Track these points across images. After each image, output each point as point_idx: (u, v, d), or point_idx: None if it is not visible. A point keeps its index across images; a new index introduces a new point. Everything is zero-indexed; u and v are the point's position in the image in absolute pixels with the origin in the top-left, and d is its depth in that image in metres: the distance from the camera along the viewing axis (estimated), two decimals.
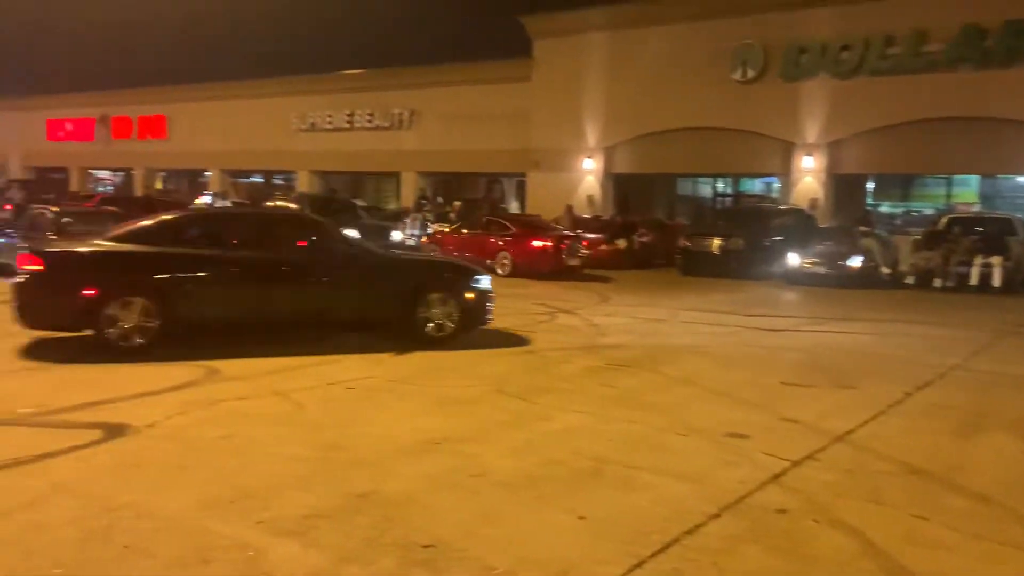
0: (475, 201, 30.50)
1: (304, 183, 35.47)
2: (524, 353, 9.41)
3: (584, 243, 19.14)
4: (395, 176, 33.92)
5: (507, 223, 19.64)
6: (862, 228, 20.04)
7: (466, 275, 10.03)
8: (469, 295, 9.81)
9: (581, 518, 4.45)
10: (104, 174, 46.40)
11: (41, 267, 8.34)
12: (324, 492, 4.70)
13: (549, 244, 18.19)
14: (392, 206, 32.05)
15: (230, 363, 8.13)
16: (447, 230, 21.29)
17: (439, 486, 4.87)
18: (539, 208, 26.17)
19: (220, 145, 38.05)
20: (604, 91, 27.07)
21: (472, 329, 9.93)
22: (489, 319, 10.12)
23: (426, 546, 3.99)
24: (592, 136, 27.60)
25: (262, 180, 39.42)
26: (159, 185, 42.64)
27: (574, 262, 18.30)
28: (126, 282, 8.48)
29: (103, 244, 8.88)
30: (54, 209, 15.44)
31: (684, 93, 25.12)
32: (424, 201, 29.97)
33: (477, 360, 8.93)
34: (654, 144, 26.45)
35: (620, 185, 28.06)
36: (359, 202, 26.24)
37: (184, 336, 8.72)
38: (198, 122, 39.17)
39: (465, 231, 20.27)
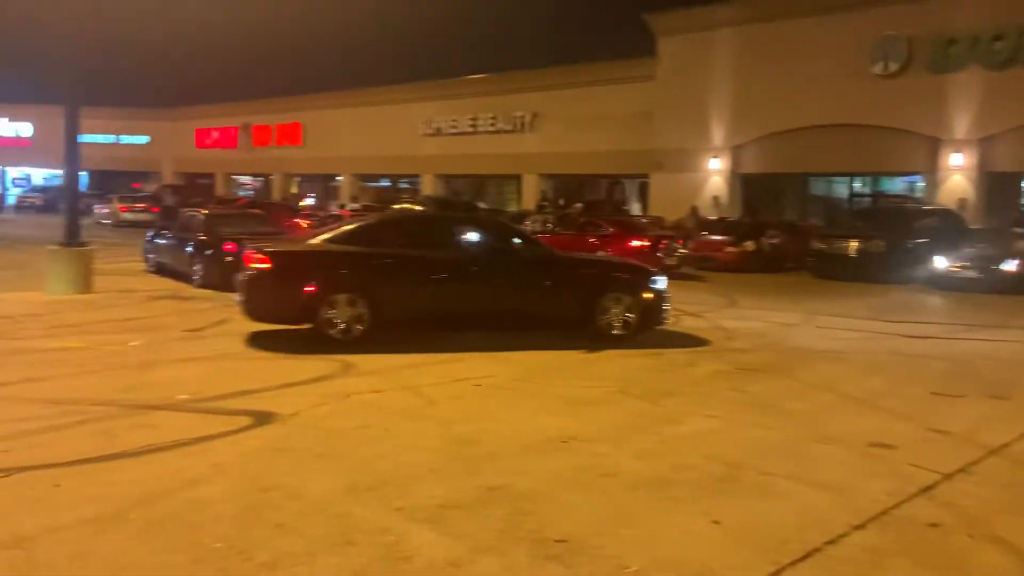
0: (597, 203, 30.40)
1: (428, 187, 36.47)
2: (647, 355, 9.29)
3: (679, 242, 18.80)
4: (516, 179, 34.32)
5: (603, 223, 19.46)
6: (1017, 229, 18.56)
7: (645, 276, 10.15)
8: (647, 295, 9.87)
9: (715, 522, 4.36)
10: (245, 179, 49.35)
11: (269, 265, 9.02)
12: (457, 484, 4.82)
13: (647, 244, 17.90)
14: (513, 209, 32.43)
15: (364, 358, 8.47)
16: (541, 231, 21.24)
17: (569, 484, 4.90)
18: (662, 209, 25.79)
19: (351, 151, 39.70)
20: (732, 88, 26.37)
21: (648, 329, 9.94)
22: (665, 320, 10.16)
23: (559, 541, 4.02)
24: (718, 135, 26.94)
25: (389, 184, 40.81)
26: (294, 189, 44.95)
27: (672, 262, 17.92)
28: (342, 280, 9.02)
29: (321, 245, 9.54)
30: (204, 211, 16.53)
31: (818, 89, 24.11)
32: (545, 203, 30.15)
33: (596, 361, 8.91)
34: (785, 142, 25.51)
35: (748, 185, 27.24)
36: (481, 205, 26.70)
37: (390, 330, 9.20)
38: (330, 129, 41.04)
39: (562, 231, 20.07)
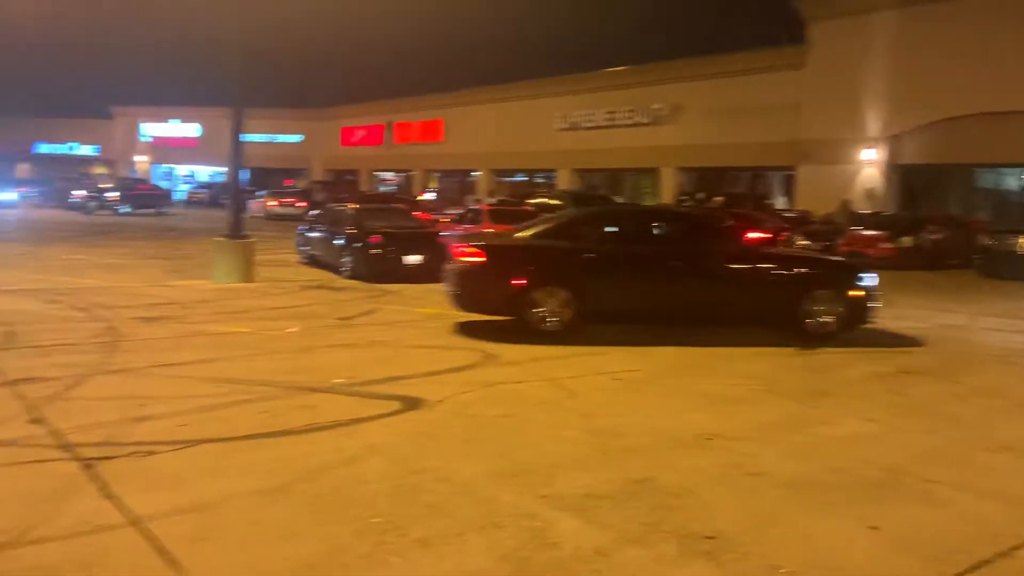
0: (738, 196, 29.47)
1: (564, 181, 36.57)
2: (795, 354, 8.94)
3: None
4: (653, 172, 33.82)
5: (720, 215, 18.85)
6: None
7: (852, 272, 9.87)
8: (855, 293, 9.56)
9: (873, 528, 4.16)
10: (388, 175, 51.31)
11: (482, 259, 9.42)
12: (601, 475, 4.84)
13: (767, 236, 17.14)
14: (650, 202, 31.98)
15: (505, 349, 8.66)
16: None
17: (715, 481, 4.81)
18: (810, 203, 24.67)
19: (488, 146, 40.44)
20: (890, 75, 24.81)
21: (854, 328, 9.61)
22: (872, 319, 9.78)
23: (708, 537, 3.97)
24: (874, 124, 25.43)
25: (525, 179, 41.26)
26: (434, 185, 46.29)
27: None
28: (551, 274, 9.30)
29: (529, 240, 9.90)
30: (352, 206, 17.33)
31: (990, 73, 22.25)
32: (684, 197, 29.55)
33: (739, 358, 8.66)
34: (951, 131, 23.75)
35: (906, 177, 25.58)
36: (617, 199, 26.50)
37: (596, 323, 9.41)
38: (470, 125, 41.97)
39: None
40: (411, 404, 6.38)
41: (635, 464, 5.07)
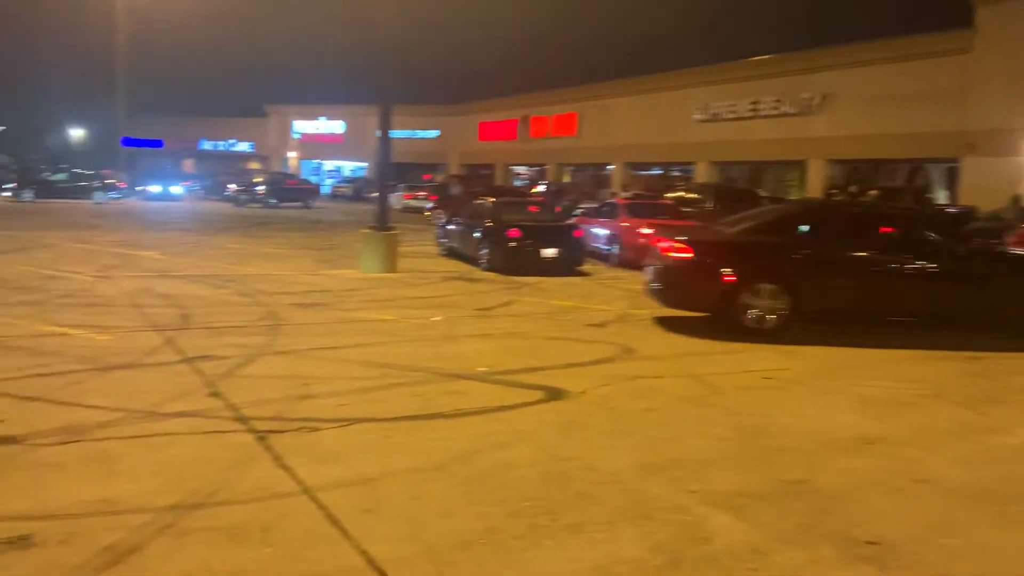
0: (894, 190, 27.74)
1: (702, 174, 35.70)
2: (959, 359, 8.37)
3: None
4: (800, 165, 32.39)
5: None
6: None
7: None
8: None
9: None
10: (521, 169, 51.84)
11: (690, 255, 9.28)
12: (753, 474, 4.75)
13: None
14: (795, 196, 30.68)
15: (642, 343, 8.62)
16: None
17: (876, 486, 4.60)
18: (976, 198, 22.88)
19: (623, 139, 40.06)
20: None
21: None
22: None
23: (870, 543, 3.82)
24: None
25: (660, 172, 40.58)
26: (566, 179, 46.36)
27: None
28: (763, 270, 9.07)
29: (740, 235, 9.73)
30: (491, 200, 17.65)
31: None
32: (835, 191, 28.13)
33: (898, 360, 8.20)
34: None
35: None
36: (762, 193, 25.58)
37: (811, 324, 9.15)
38: (604, 118, 41.70)
39: None
40: (553, 394, 6.47)
41: (788, 464, 4.93)
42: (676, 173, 39.11)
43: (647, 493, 4.42)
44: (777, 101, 32.42)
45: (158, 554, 3.49)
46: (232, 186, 40.46)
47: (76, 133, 72.98)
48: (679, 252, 9.27)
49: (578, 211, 22.14)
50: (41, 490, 4.13)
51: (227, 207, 36.99)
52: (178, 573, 3.33)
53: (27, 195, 33.96)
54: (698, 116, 36.08)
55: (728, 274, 8.93)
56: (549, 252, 14.89)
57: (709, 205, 19.38)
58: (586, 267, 15.89)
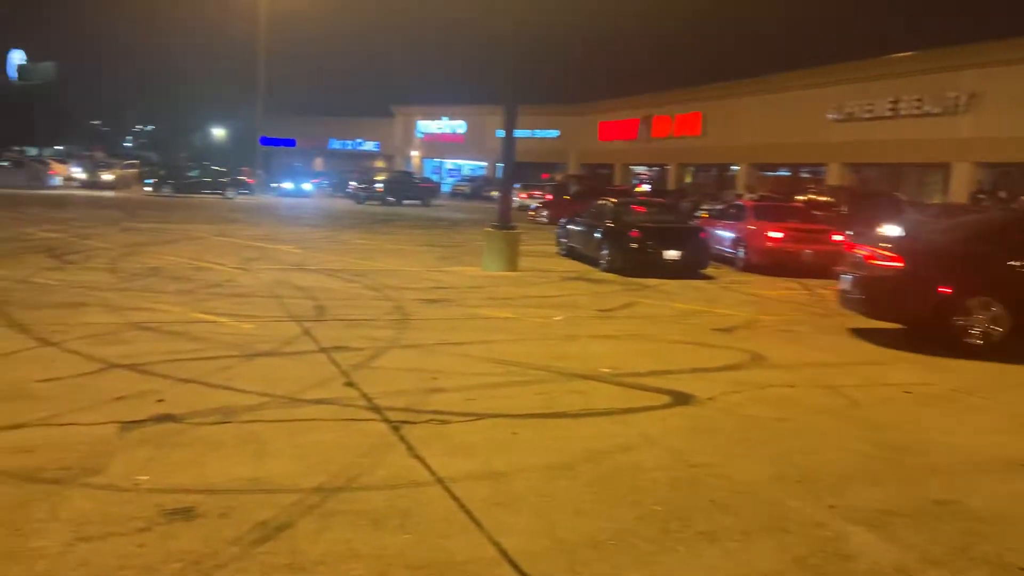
0: None
1: (834, 176, 34.18)
2: None
3: None
4: (943, 168, 30.46)
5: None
6: None
7: None
8: None
9: None
10: (641, 169, 51.24)
11: (900, 264, 8.76)
12: (896, 491, 4.52)
13: None
14: (937, 200, 28.88)
15: (772, 351, 8.35)
16: None
17: None
18: None
19: (749, 139, 38.90)
20: None
21: None
22: None
23: None
24: None
25: (788, 173, 39.15)
26: (688, 179, 45.48)
27: None
28: (981, 283, 8.47)
29: (954, 243, 9.14)
30: (613, 201, 17.56)
31: None
32: (981, 196, 26.26)
33: None
34: None
35: None
36: (901, 195, 24.21)
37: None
38: (729, 118, 40.63)
39: None
40: (680, 399, 6.38)
41: (935, 483, 4.67)
42: (805, 175, 37.60)
43: (784, 505, 4.29)
44: (919, 100, 30.61)
45: (306, 533, 3.68)
46: (353, 183, 42.13)
47: (218, 132, 77.86)
48: (887, 261, 8.73)
49: (700, 212, 21.70)
50: (200, 466, 4.44)
51: (350, 204, 38.48)
52: (326, 552, 3.50)
53: (166, 190, 36.50)
54: (831, 115, 34.55)
55: (943, 286, 8.35)
56: (672, 254, 14.67)
57: (843, 209, 18.54)
58: (710, 270, 15.55)
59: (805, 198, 20.49)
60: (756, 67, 41.36)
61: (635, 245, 14.80)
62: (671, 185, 42.93)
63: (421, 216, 32.05)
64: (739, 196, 25.95)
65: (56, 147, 64.68)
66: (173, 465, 4.44)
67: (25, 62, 60.92)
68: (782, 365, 7.80)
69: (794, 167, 38.72)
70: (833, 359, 8.21)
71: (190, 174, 39.15)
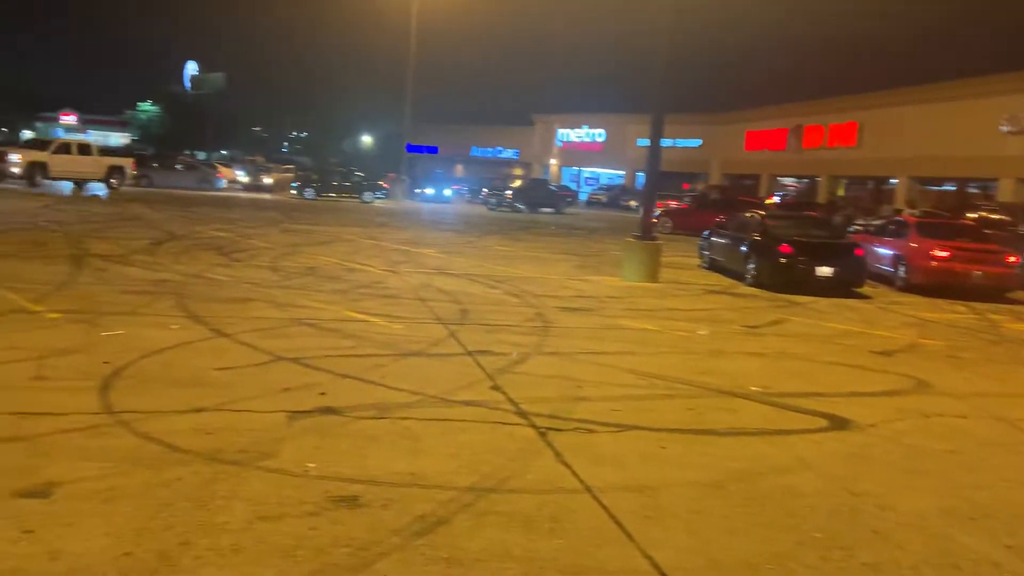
0: None
1: (1007, 192, 31.53)
2: None
3: None
4: None
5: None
6: None
7: None
8: None
9: None
10: (788, 181, 49.25)
11: None
12: None
13: None
14: None
15: (938, 377, 7.83)
16: None
17: None
18: None
19: (910, 151, 36.54)
20: None
21: None
22: None
23: None
24: None
25: (954, 188, 36.49)
26: (840, 192, 43.28)
27: None
28: None
29: None
30: (761, 213, 16.99)
31: None
32: None
33: None
34: None
35: None
36: None
37: None
38: (889, 128, 38.33)
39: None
40: (838, 423, 6.09)
41: None
42: (973, 189, 34.91)
43: (955, 541, 4.01)
44: None
45: (462, 530, 3.80)
46: (484, 190, 42.90)
47: (366, 139, 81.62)
48: None
49: (854, 227, 20.61)
50: (361, 457, 4.67)
51: (483, 210, 39.23)
52: (481, 549, 3.60)
53: (308, 193, 38.53)
54: (1005, 127, 31.91)
55: None
56: (825, 270, 14.01)
57: (1022, 229, 17.06)
58: (865, 289, 14.74)
59: (976, 215, 19.00)
60: (918, 74, 38.82)
61: (785, 260, 14.22)
62: (821, 198, 40.97)
63: (558, 224, 32.23)
64: (899, 211, 24.42)
65: (222, 151, 69.93)
66: (337, 455, 4.70)
67: (198, 73, 66.32)
68: (949, 393, 7.29)
69: (960, 181, 36.00)
70: (1006, 389, 7.60)
71: (331, 179, 41.16)
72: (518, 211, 39.05)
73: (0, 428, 4.75)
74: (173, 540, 3.49)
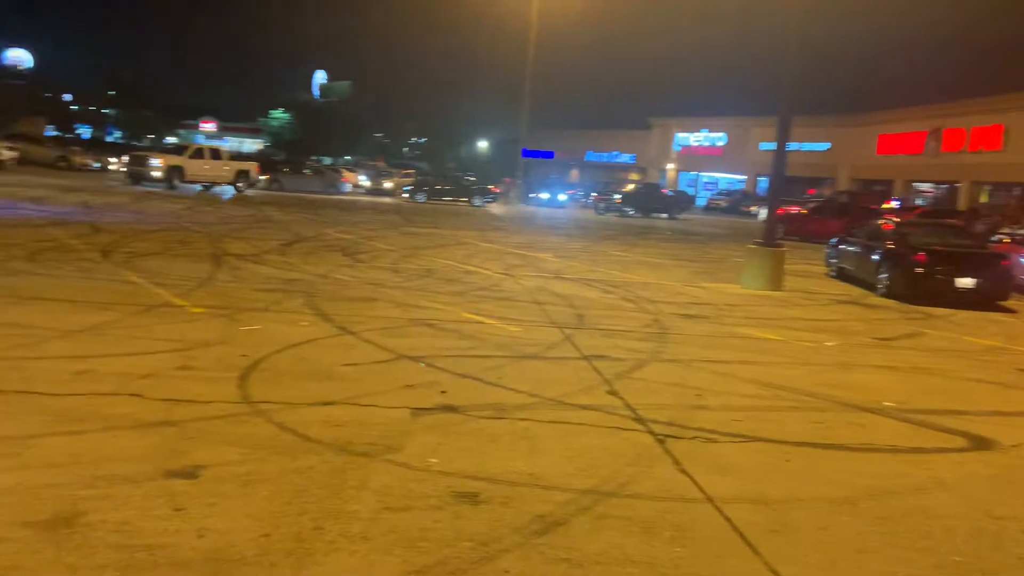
0: None
1: None
2: None
3: None
4: None
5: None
6: None
7: None
8: None
9: None
10: (925, 187, 46.51)
11: None
12: None
13: None
14: None
15: None
16: None
17: None
18: None
19: None
20: None
21: None
22: None
23: None
24: None
25: None
26: (984, 199, 40.50)
27: None
28: None
29: None
30: (895, 219, 16.14)
31: None
32: None
33: None
34: None
35: None
36: None
37: None
38: None
39: None
40: (979, 443, 5.72)
41: None
42: None
43: None
44: None
45: (581, 531, 3.81)
46: (593, 195, 42.63)
47: (482, 144, 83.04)
48: None
49: (999, 236, 19.23)
50: (481, 456, 4.77)
51: (590, 214, 39.00)
52: (600, 552, 3.60)
53: (420, 197, 39.44)
54: None
55: None
56: (965, 282, 13.15)
57: None
58: (1011, 303, 13.74)
59: None
60: None
61: (921, 270, 13.44)
62: (961, 205, 38.47)
63: (673, 229, 31.69)
64: None
65: (346, 157, 72.86)
66: (458, 451, 4.81)
67: (326, 81, 69.42)
68: None
69: None
70: None
71: (443, 183, 42.02)
72: (626, 215, 38.64)
73: (154, 413, 5.14)
74: (308, 525, 3.68)
